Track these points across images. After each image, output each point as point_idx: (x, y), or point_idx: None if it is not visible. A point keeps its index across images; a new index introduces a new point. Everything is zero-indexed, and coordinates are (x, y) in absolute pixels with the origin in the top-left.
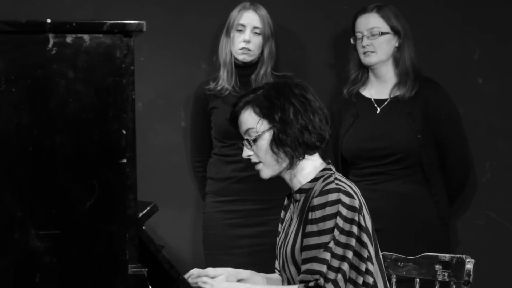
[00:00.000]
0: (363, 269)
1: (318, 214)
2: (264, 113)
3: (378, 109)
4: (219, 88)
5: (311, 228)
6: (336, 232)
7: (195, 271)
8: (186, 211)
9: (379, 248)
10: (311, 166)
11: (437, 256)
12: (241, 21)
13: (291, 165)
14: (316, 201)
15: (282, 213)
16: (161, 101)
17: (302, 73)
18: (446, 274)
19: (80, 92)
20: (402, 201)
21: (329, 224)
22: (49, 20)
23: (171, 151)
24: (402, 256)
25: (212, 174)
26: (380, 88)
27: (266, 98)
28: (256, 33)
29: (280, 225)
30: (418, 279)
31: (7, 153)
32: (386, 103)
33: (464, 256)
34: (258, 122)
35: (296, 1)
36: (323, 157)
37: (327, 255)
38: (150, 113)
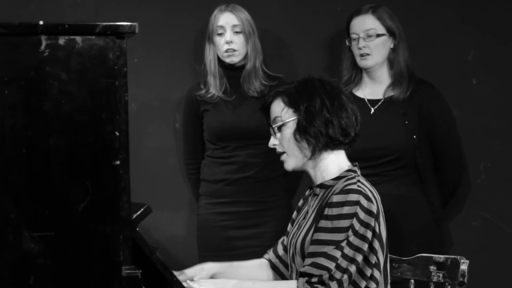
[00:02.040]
0: (368, 275)
1: (335, 211)
2: (291, 102)
3: (372, 109)
4: (209, 96)
5: (325, 223)
6: (350, 233)
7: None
8: (180, 212)
9: (388, 259)
10: (336, 164)
11: (432, 257)
12: (219, 23)
13: (313, 155)
14: (335, 198)
15: (301, 201)
16: (155, 102)
17: (294, 76)
18: (440, 275)
19: (73, 94)
20: (397, 202)
21: (344, 223)
22: (41, 22)
23: (165, 153)
24: (396, 257)
25: (206, 176)
26: (374, 88)
27: (296, 90)
28: (237, 32)
29: (295, 212)
30: (412, 280)
31: (1, 155)
32: (380, 103)
33: (458, 257)
34: (283, 109)
35: (289, 3)
36: None
37: (337, 253)
38: (144, 114)
